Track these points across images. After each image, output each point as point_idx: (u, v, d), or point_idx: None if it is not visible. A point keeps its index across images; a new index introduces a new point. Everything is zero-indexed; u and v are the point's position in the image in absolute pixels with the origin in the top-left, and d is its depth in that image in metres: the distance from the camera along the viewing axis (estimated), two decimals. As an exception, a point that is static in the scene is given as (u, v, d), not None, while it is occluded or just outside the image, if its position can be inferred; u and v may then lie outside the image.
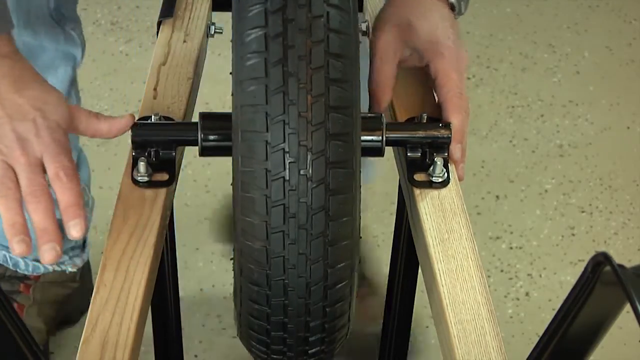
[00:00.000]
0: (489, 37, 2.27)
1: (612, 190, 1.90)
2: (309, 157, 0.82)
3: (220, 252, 1.74)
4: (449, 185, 0.99)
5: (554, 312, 0.76)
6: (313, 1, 0.83)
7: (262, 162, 0.82)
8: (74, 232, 0.89)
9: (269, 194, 0.82)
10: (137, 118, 1.01)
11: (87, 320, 0.87)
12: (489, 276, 1.72)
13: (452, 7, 1.06)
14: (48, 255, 0.87)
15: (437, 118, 1.04)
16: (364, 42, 1.20)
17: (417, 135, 1.01)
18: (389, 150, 1.01)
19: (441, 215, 0.97)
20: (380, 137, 0.97)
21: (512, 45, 2.25)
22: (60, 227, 1.53)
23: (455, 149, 1.01)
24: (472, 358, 0.86)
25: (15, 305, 1.50)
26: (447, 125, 1.01)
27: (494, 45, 2.25)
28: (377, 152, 0.98)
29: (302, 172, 0.82)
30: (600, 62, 2.22)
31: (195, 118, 0.98)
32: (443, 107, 1.03)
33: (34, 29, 1.31)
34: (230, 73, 0.86)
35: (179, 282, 1.20)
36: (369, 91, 1.05)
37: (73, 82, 1.42)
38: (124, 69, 2.12)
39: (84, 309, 1.35)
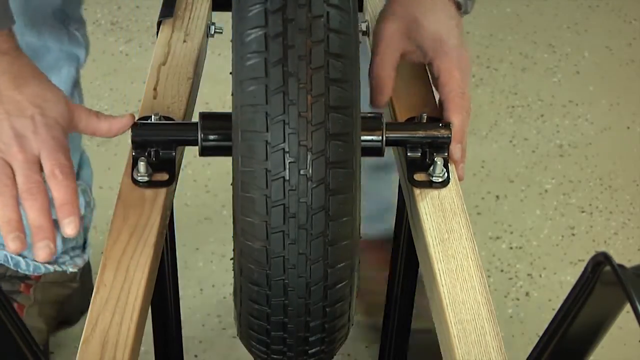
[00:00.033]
0: (489, 37, 2.27)
1: (612, 190, 1.90)
2: (309, 157, 0.82)
3: (220, 252, 1.74)
4: (449, 185, 0.99)
5: (554, 312, 0.76)
6: (313, 1, 0.83)
7: (262, 162, 0.82)
8: (68, 229, 0.88)
9: (269, 194, 0.82)
10: (137, 118, 1.01)
11: (87, 320, 0.87)
12: (489, 276, 1.72)
13: (458, 6, 1.06)
14: (42, 253, 0.87)
15: (437, 118, 1.04)
16: (364, 42, 1.20)
17: (417, 135, 1.01)
18: (389, 150, 1.01)
19: (441, 215, 0.97)
20: (380, 137, 0.97)
21: (512, 45, 2.25)
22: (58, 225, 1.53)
23: (455, 149, 1.01)
24: (472, 358, 0.86)
25: (15, 305, 1.50)
26: (447, 125, 1.01)
27: (494, 45, 2.25)
28: (377, 152, 0.98)
29: (302, 172, 0.82)
30: (600, 62, 2.22)
31: (195, 118, 0.98)
32: (444, 106, 1.03)
33: (39, 29, 1.31)
34: (230, 73, 0.86)
35: (179, 282, 1.20)
36: (369, 83, 1.05)
37: (76, 83, 1.42)
38: (124, 69, 2.12)
39: (84, 309, 1.35)
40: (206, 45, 1.19)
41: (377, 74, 1.04)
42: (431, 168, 1.00)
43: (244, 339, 0.94)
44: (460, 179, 1.01)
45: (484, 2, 2.37)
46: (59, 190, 0.90)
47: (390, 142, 1.00)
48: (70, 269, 1.54)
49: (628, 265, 0.70)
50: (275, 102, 0.81)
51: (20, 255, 1.50)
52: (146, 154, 0.98)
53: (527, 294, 1.69)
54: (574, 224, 1.82)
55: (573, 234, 1.80)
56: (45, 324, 1.53)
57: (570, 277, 1.71)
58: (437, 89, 1.05)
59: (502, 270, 1.73)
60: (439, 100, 1.05)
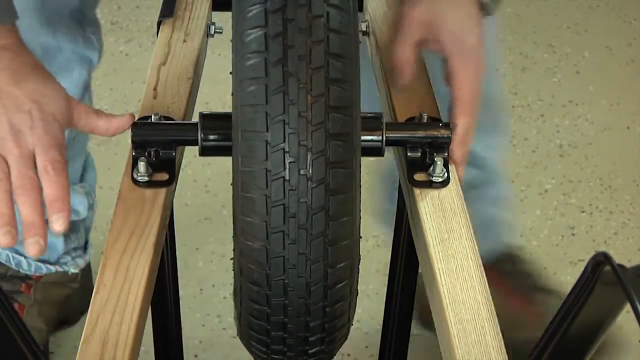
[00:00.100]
0: (489, 37, 2.27)
1: (612, 190, 1.90)
2: (309, 157, 0.82)
3: (220, 252, 1.74)
4: (449, 185, 0.99)
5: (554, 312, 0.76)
6: (313, 1, 0.83)
7: (262, 162, 0.82)
8: (57, 225, 0.88)
9: (269, 193, 0.82)
10: (137, 118, 1.01)
11: (87, 320, 0.87)
12: (489, 276, 1.72)
13: (481, 7, 1.06)
14: (32, 249, 0.87)
15: (437, 118, 1.04)
16: (364, 42, 1.20)
17: (417, 135, 1.01)
18: (389, 150, 1.01)
19: (441, 215, 0.97)
20: (380, 137, 0.97)
21: (512, 45, 2.25)
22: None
23: (458, 150, 1.01)
24: (472, 358, 0.86)
25: (16, 305, 1.50)
26: (447, 125, 1.01)
27: (494, 45, 2.25)
28: (377, 152, 0.98)
29: (302, 172, 0.82)
30: (600, 62, 2.22)
31: (195, 118, 0.98)
32: (452, 105, 1.03)
33: (54, 29, 1.30)
34: (230, 73, 0.86)
35: (179, 282, 1.20)
36: (390, 66, 1.04)
37: (87, 86, 1.42)
38: (124, 69, 2.12)
39: (84, 309, 1.35)
40: (206, 45, 1.19)
41: (398, 56, 1.04)
42: (431, 168, 1.00)
43: (244, 339, 0.94)
44: (460, 180, 1.01)
45: (484, 2, 2.37)
46: (50, 187, 0.90)
47: (390, 142, 1.00)
48: (72, 270, 1.55)
49: (628, 265, 0.71)
50: (275, 102, 0.81)
51: (21, 255, 1.50)
52: (146, 153, 0.98)
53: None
54: (574, 224, 1.82)
55: (573, 234, 1.80)
56: (45, 324, 1.53)
57: (570, 277, 1.72)
58: (448, 86, 1.04)
59: (501, 270, 1.73)
60: (450, 98, 1.05)
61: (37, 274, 1.52)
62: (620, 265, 0.70)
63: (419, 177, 1.00)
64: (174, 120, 1.03)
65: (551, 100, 2.10)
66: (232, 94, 0.86)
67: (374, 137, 0.97)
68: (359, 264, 0.90)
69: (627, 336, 1.43)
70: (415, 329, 1.32)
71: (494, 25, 1.28)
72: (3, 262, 1.51)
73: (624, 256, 1.75)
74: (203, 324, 1.64)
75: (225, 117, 0.91)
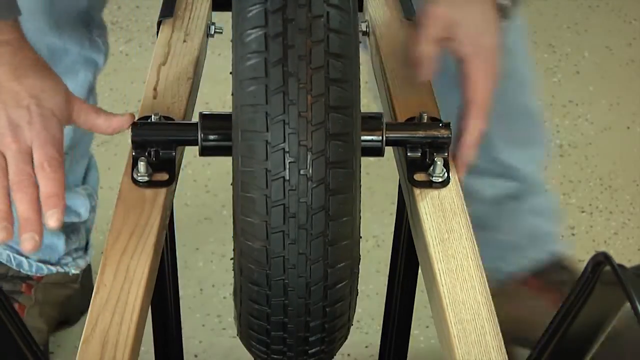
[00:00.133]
0: (489, 37, 2.27)
1: (612, 190, 1.90)
2: (309, 157, 0.82)
3: (220, 252, 1.74)
4: (449, 185, 0.99)
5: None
6: (313, 1, 0.83)
7: (262, 162, 0.82)
8: (51, 222, 0.89)
9: (269, 193, 0.82)
10: (137, 118, 1.01)
11: (87, 320, 0.87)
12: (489, 276, 1.71)
13: (500, 11, 1.06)
14: (27, 245, 0.88)
15: (437, 118, 1.04)
16: (364, 42, 1.20)
17: (417, 135, 1.01)
18: (389, 150, 1.01)
19: (441, 215, 0.97)
20: (380, 137, 0.97)
21: (512, 45, 2.25)
22: (64, 227, 1.53)
23: (466, 152, 1.01)
24: (472, 358, 0.86)
25: (16, 305, 1.50)
26: (447, 125, 1.01)
27: (494, 45, 2.25)
28: (377, 152, 0.98)
29: (302, 172, 0.82)
30: (600, 62, 2.22)
31: (195, 118, 0.98)
32: (465, 107, 1.03)
33: (61, 30, 1.30)
34: (230, 73, 0.86)
35: (179, 282, 1.20)
36: (408, 62, 1.05)
37: (92, 88, 1.42)
38: (124, 69, 2.12)
39: (84, 309, 1.35)
40: (206, 45, 1.19)
41: (420, 52, 1.04)
42: (431, 168, 0.99)
43: (244, 339, 0.94)
44: (461, 181, 1.01)
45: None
46: (45, 183, 0.90)
47: (390, 142, 1.00)
48: (73, 271, 1.55)
49: (628, 265, 0.71)
50: (275, 102, 0.81)
51: (22, 255, 1.50)
52: (146, 153, 0.98)
53: (527, 294, 1.69)
54: (574, 224, 1.82)
55: (573, 234, 1.80)
56: (45, 324, 1.53)
57: (570, 277, 1.71)
58: (462, 87, 1.05)
59: (502, 270, 1.73)
60: (463, 98, 1.05)
61: (38, 275, 1.52)
62: (620, 265, 0.70)
63: (419, 177, 1.00)
64: (174, 120, 1.03)
65: (551, 100, 2.10)
66: (232, 94, 0.86)
67: (374, 137, 0.97)
68: (359, 264, 0.90)
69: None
70: (415, 329, 1.32)
71: (526, 40, 1.27)
72: (4, 262, 1.51)
73: (624, 256, 1.75)
74: (203, 324, 1.64)
75: (225, 117, 0.91)
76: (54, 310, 1.55)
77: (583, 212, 1.85)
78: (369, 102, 1.83)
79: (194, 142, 0.97)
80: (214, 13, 1.22)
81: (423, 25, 1.05)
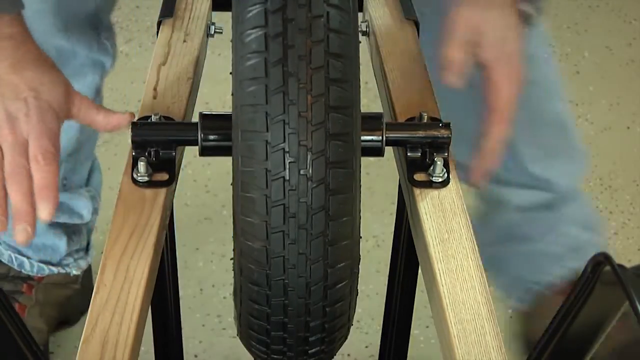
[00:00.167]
0: (489, 37, 2.27)
1: (612, 190, 1.90)
2: (309, 157, 0.82)
3: (220, 252, 1.74)
4: (449, 185, 0.99)
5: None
6: (313, 1, 0.83)
7: (262, 162, 0.82)
8: (43, 214, 0.89)
9: (269, 193, 0.82)
10: (137, 118, 1.01)
11: (87, 320, 0.87)
12: (489, 276, 1.71)
13: (523, 17, 1.05)
14: (20, 236, 0.88)
15: (437, 118, 1.04)
16: (364, 42, 1.20)
17: (417, 135, 1.01)
18: (389, 150, 1.01)
19: (441, 215, 0.97)
20: (380, 137, 0.97)
21: (512, 45, 2.25)
22: (66, 229, 1.53)
23: (488, 157, 1.01)
24: (472, 358, 0.86)
25: (17, 305, 1.51)
26: (447, 125, 1.01)
27: (494, 45, 2.25)
28: (377, 152, 0.98)
29: (302, 172, 0.82)
30: (600, 62, 2.22)
31: (195, 118, 0.98)
32: (489, 113, 1.03)
33: (70, 33, 1.30)
34: (230, 73, 0.86)
35: (179, 282, 1.20)
36: (438, 66, 1.04)
37: (99, 91, 1.42)
38: (124, 69, 2.12)
39: (84, 309, 1.35)
40: (206, 45, 1.19)
41: (449, 56, 1.04)
42: (431, 168, 0.99)
43: (244, 339, 0.94)
44: (476, 185, 1.01)
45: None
46: (38, 176, 0.91)
47: (390, 142, 1.00)
48: (74, 271, 1.55)
49: (628, 265, 0.70)
50: (275, 102, 0.81)
51: (24, 255, 1.51)
52: (146, 154, 0.98)
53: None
54: (574, 224, 1.82)
55: (573, 234, 1.80)
56: (46, 324, 1.54)
57: (570, 277, 1.71)
58: (485, 93, 1.04)
59: (502, 270, 1.73)
60: (486, 104, 1.05)
61: (39, 275, 1.52)
62: (620, 265, 0.70)
63: (419, 177, 1.00)
64: (174, 120, 1.03)
65: (551, 100, 2.10)
66: (232, 94, 0.86)
67: (374, 137, 0.97)
68: (359, 264, 0.90)
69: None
70: (415, 329, 1.32)
71: (548, 46, 1.27)
72: (5, 262, 1.51)
73: (624, 256, 1.75)
74: (203, 324, 1.64)
75: (225, 117, 0.91)
76: (54, 311, 1.56)
77: (583, 212, 1.84)
78: (369, 102, 1.83)
79: (194, 142, 0.97)
80: (214, 13, 1.22)
81: (451, 30, 1.04)
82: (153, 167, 0.98)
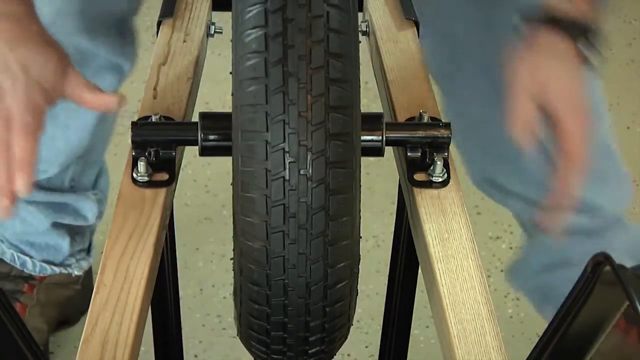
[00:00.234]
0: (489, 37, 2.27)
1: (612, 190, 1.89)
2: (309, 157, 0.82)
3: (220, 252, 1.74)
4: (449, 185, 0.99)
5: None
6: (313, 1, 0.83)
7: (262, 162, 0.82)
8: (19, 187, 0.90)
9: (269, 193, 0.82)
10: (137, 118, 1.01)
11: (87, 320, 0.87)
12: (489, 276, 1.72)
13: (583, 60, 1.04)
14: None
15: (437, 118, 1.04)
16: (364, 42, 1.20)
17: (417, 135, 1.01)
18: (389, 150, 1.01)
19: (441, 215, 0.97)
20: (380, 137, 0.97)
21: (512, 45, 2.24)
22: (69, 229, 1.54)
23: (562, 202, 1.00)
24: (472, 358, 0.86)
25: (18, 304, 1.51)
26: (447, 125, 1.01)
27: (494, 45, 2.25)
28: (377, 152, 0.98)
29: (302, 172, 0.82)
30: (600, 62, 2.22)
31: (195, 118, 0.98)
32: (561, 159, 1.01)
33: (93, 35, 1.30)
34: (230, 73, 0.86)
35: (179, 282, 1.20)
36: (506, 132, 1.01)
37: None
38: (124, 69, 2.12)
39: (84, 310, 1.35)
40: (206, 45, 1.19)
41: (516, 110, 1.01)
42: (431, 168, 1.00)
43: (244, 339, 0.94)
44: (548, 231, 1.00)
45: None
46: (17, 149, 0.91)
47: (390, 142, 1.00)
48: (76, 272, 1.55)
49: (628, 265, 0.70)
50: (275, 102, 0.81)
51: (26, 254, 1.51)
52: (146, 153, 0.98)
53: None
54: (574, 224, 1.82)
55: (573, 234, 1.80)
56: (46, 325, 1.54)
57: (570, 277, 1.71)
58: (554, 138, 1.02)
59: (502, 270, 1.73)
60: (556, 150, 1.02)
61: (41, 275, 1.53)
62: (620, 265, 0.70)
63: (419, 177, 1.00)
64: (174, 120, 1.03)
65: (551, 100, 2.10)
66: (232, 94, 0.86)
67: (374, 137, 0.97)
68: (359, 264, 0.90)
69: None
70: (415, 329, 1.32)
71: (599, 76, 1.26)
72: (8, 261, 1.51)
73: (624, 256, 1.75)
74: (203, 324, 1.64)
75: (225, 117, 0.91)
76: (55, 311, 1.56)
77: (583, 212, 1.84)
78: (369, 102, 1.83)
79: (194, 142, 0.97)
80: (214, 13, 1.22)
81: (511, 83, 1.02)
82: (153, 167, 0.98)
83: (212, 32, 1.18)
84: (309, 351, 0.91)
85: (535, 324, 1.62)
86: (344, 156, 0.83)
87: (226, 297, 1.67)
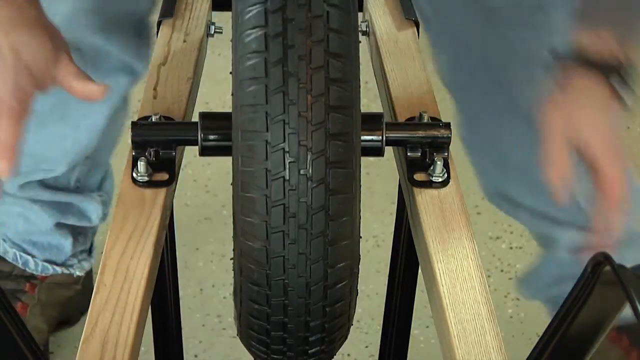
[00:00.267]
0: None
1: (612, 190, 1.89)
2: (309, 156, 0.82)
3: (220, 252, 1.74)
4: (449, 185, 0.99)
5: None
6: (313, 1, 0.83)
7: (262, 162, 0.82)
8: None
9: (269, 193, 0.82)
10: (137, 118, 1.01)
11: (87, 320, 0.87)
12: (489, 276, 1.72)
13: (619, 100, 1.03)
14: None
15: (437, 118, 1.04)
16: (364, 42, 1.20)
17: (417, 135, 1.01)
18: (389, 150, 1.01)
19: (441, 215, 0.97)
20: (380, 137, 0.97)
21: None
22: (72, 230, 1.54)
23: (604, 243, 1.00)
24: (472, 358, 0.86)
25: (19, 304, 1.51)
26: (447, 125, 1.01)
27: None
28: (377, 152, 0.98)
29: (302, 171, 0.82)
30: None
31: (195, 118, 0.98)
32: (601, 201, 1.01)
33: (109, 34, 1.30)
34: (230, 73, 0.86)
35: (179, 282, 1.20)
36: (545, 180, 1.00)
37: (126, 97, 1.42)
38: (124, 69, 2.12)
39: (84, 310, 1.35)
40: (206, 45, 1.19)
41: (552, 156, 1.01)
42: (431, 168, 1.00)
43: (243, 339, 0.94)
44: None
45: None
46: (0, 133, 0.91)
47: (390, 142, 1.00)
48: (78, 272, 1.56)
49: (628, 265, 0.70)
50: (275, 102, 0.81)
51: (29, 254, 1.51)
52: (146, 153, 0.98)
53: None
54: (574, 224, 1.81)
55: (573, 234, 1.80)
56: (46, 324, 1.54)
57: (570, 277, 1.71)
58: (593, 181, 1.02)
59: (502, 270, 1.73)
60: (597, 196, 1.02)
61: (43, 275, 1.53)
62: (620, 265, 0.70)
63: (419, 177, 1.00)
64: (174, 120, 1.03)
65: (551, 100, 2.10)
66: (232, 94, 0.86)
67: (374, 137, 0.97)
68: (359, 264, 0.90)
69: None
70: (415, 329, 1.32)
71: None
72: (10, 260, 1.52)
73: (624, 256, 1.75)
74: (203, 324, 1.64)
75: (225, 117, 0.91)
76: (56, 311, 1.56)
77: (583, 212, 1.84)
78: (369, 102, 1.83)
79: (194, 142, 0.97)
80: (214, 13, 1.22)
81: (546, 128, 1.00)
82: (153, 167, 0.98)
83: (212, 32, 1.18)
84: (309, 351, 0.91)
85: (535, 324, 1.62)
86: (344, 156, 0.83)
87: (226, 297, 1.67)
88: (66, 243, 1.51)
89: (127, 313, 0.87)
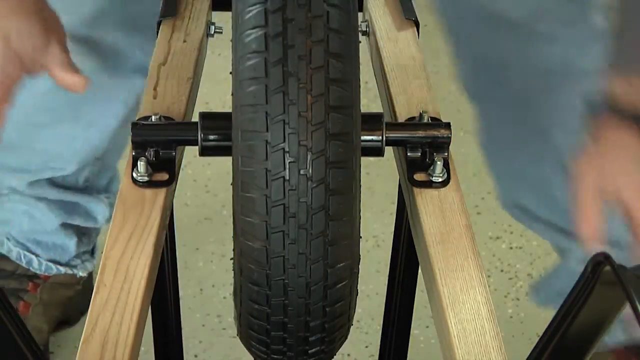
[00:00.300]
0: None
1: (612, 190, 1.89)
2: (309, 156, 0.82)
3: (220, 252, 1.74)
4: (449, 185, 0.99)
5: (554, 312, 0.76)
6: (313, 1, 0.83)
7: (262, 162, 0.82)
8: None
9: (269, 193, 0.82)
10: (137, 118, 1.01)
11: (87, 320, 0.87)
12: (489, 276, 1.72)
13: None
14: None
15: (438, 118, 1.04)
16: (364, 42, 1.20)
17: (417, 135, 1.01)
18: (389, 150, 1.01)
19: (441, 215, 0.97)
20: (380, 137, 0.97)
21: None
22: (77, 230, 1.54)
23: None
24: (472, 358, 0.86)
25: (21, 303, 1.51)
26: (447, 125, 1.01)
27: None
28: (377, 152, 0.98)
29: (302, 171, 0.82)
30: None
31: (195, 118, 0.98)
32: (633, 236, 1.00)
33: (131, 34, 1.29)
34: (230, 73, 0.86)
35: (179, 282, 1.20)
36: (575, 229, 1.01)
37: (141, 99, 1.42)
38: (124, 69, 2.12)
39: (84, 310, 1.36)
40: (206, 45, 1.19)
41: (584, 205, 1.00)
42: (431, 168, 1.00)
43: (243, 339, 0.94)
44: None
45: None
46: None
47: (390, 142, 1.00)
48: (81, 273, 1.56)
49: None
50: (275, 102, 0.81)
51: (33, 253, 1.51)
52: (146, 153, 0.98)
53: (527, 294, 1.69)
54: (574, 224, 1.82)
55: (573, 234, 1.80)
56: (47, 324, 1.54)
57: (570, 277, 1.71)
58: (629, 230, 1.01)
59: (502, 270, 1.73)
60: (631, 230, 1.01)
61: (46, 274, 1.53)
62: (621, 265, 0.70)
63: (419, 177, 1.00)
64: (174, 120, 1.03)
65: (551, 100, 2.10)
66: (232, 94, 0.86)
67: (374, 137, 0.97)
68: (359, 264, 0.90)
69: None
70: (415, 329, 1.32)
71: None
72: (14, 259, 1.52)
73: (624, 256, 1.75)
74: (203, 324, 1.64)
75: (225, 117, 0.91)
76: (57, 310, 1.56)
77: (583, 212, 1.84)
78: (369, 102, 1.83)
79: (194, 142, 0.97)
80: (214, 13, 1.22)
81: (579, 182, 1.01)
82: (153, 167, 0.98)
83: (212, 32, 1.18)
84: (309, 351, 0.91)
85: (535, 324, 1.62)
86: (344, 156, 0.83)
87: (226, 297, 1.67)
88: (71, 243, 1.52)
89: (127, 313, 0.87)
